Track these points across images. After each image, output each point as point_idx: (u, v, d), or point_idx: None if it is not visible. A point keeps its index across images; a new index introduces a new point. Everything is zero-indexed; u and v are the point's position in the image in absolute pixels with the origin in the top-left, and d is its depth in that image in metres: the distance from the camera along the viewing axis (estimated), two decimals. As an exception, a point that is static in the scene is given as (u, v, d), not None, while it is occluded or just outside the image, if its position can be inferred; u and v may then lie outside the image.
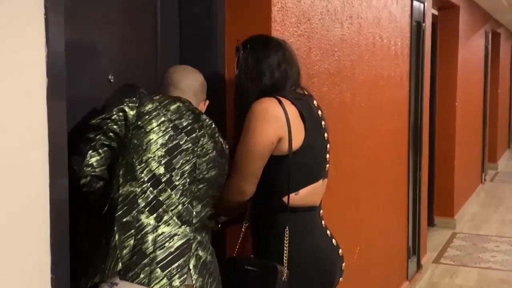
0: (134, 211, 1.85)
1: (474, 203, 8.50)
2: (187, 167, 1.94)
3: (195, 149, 1.97)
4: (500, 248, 6.50)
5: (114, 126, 1.88)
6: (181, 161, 1.93)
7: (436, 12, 6.84)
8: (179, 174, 1.91)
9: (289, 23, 2.78)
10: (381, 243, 4.36)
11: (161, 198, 1.88)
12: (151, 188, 1.88)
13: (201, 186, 1.97)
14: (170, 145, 1.92)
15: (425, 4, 5.33)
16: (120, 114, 1.90)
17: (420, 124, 5.36)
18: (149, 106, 1.93)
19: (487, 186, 9.87)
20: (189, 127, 1.98)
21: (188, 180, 1.93)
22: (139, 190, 1.87)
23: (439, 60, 7.02)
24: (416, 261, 5.38)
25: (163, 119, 1.93)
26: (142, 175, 1.88)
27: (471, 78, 8.29)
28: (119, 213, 1.85)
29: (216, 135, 2.09)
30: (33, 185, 1.53)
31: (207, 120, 2.09)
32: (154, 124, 1.91)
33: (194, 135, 1.99)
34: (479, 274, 5.69)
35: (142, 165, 1.88)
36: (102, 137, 1.87)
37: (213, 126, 2.10)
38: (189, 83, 2.18)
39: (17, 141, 1.49)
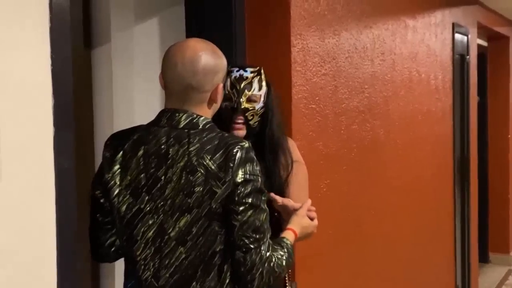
0: None
1: (533, 238, 8.16)
2: (150, 234, 1.69)
3: (160, 204, 1.67)
4: (559, 286, 6.22)
5: (104, 217, 1.80)
6: (143, 229, 1.69)
7: (485, 44, 6.72)
8: (141, 246, 1.70)
9: (312, 63, 2.78)
10: (424, 283, 4.24)
11: (133, 271, 1.75)
12: (126, 262, 1.80)
13: (168, 250, 1.68)
14: (129, 215, 1.71)
15: (469, 36, 5.24)
16: (100, 201, 1.79)
17: (467, 159, 5.23)
18: (106, 176, 1.75)
19: (548, 220, 9.47)
20: (151, 179, 1.68)
21: (151, 250, 1.69)
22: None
23: (489, 92, 6.87)
24: (466, 301, 5.20)
25: (118, 190, 1.73)
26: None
27: (526, 109, 8.04)
28: None
29: (194, 168, 1.63)
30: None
31: (185, 146, 1.65)
32: (111, 197, 1.74)
33: (158, 185, 1.67)
34: (534, 314, 5.45)
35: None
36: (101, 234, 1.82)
37: (193, 154, 1.63)
38: (180, 82, 1.68)
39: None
